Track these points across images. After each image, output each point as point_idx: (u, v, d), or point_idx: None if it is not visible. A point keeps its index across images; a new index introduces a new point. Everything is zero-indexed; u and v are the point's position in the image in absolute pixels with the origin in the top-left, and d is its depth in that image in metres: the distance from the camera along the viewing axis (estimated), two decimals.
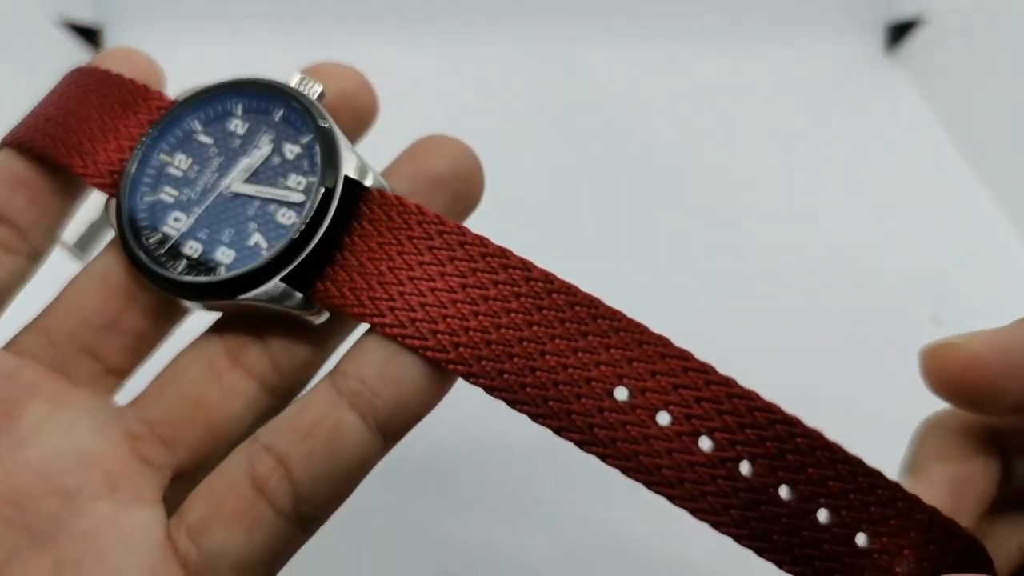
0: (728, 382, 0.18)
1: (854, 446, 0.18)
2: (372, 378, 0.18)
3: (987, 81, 0.49)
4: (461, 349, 0.18)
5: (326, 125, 0.20)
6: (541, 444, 0.34)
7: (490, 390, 0.18)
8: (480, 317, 0.18)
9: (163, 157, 0.20)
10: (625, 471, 0.18)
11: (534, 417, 0.18)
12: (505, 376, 0.18)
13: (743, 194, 0.45)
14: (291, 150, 0.20)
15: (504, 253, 0.19)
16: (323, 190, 0.19)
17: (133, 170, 0.20)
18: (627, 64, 0.51)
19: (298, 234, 0.19)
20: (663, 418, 0.18)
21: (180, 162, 0.20)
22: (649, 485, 0.18)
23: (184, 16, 0.51)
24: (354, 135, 0.22)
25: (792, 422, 0.18)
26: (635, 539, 0.32)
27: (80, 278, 0.21)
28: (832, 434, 0.18)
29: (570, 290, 0.19)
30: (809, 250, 0.42)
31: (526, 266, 0.19)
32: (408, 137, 0.22)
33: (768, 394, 0.18)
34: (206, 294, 0.19)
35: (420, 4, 0.52)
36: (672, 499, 0.18)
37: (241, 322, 0.20)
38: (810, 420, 0.18)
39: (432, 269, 0.19)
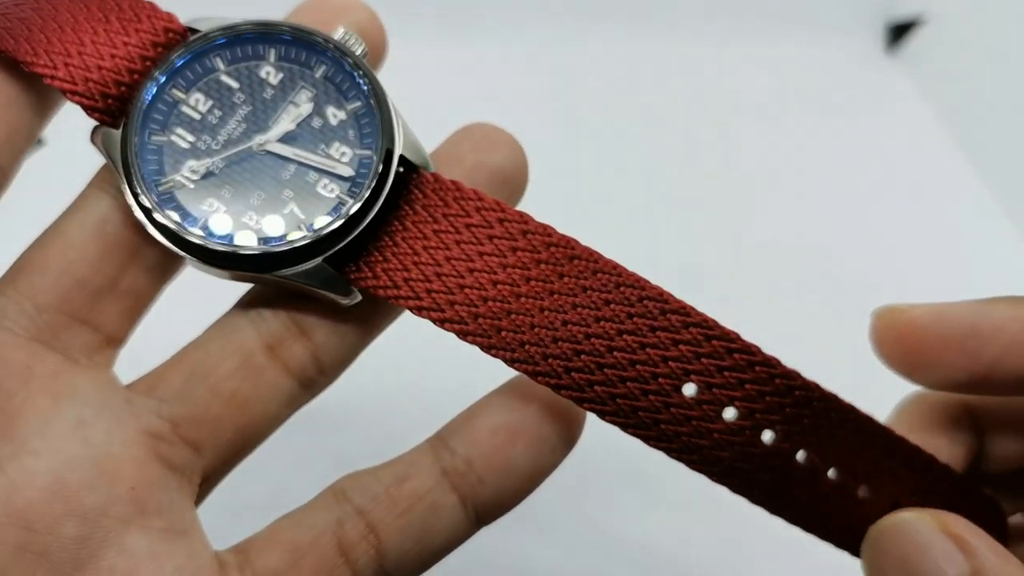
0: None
1: None
2: (480, 463, 0.17)
3: (987, 81, 0.49)
4: (504, 334, 0.17)
5: (381, 95, 0.18)
6: None
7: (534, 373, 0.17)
8: (532, 300, 0.17)
9: (176, 92, 0.17)
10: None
11: (579, 402, 0.18)
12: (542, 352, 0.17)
13: (743, 194, 0.45)
14: (334, 114, 0.18)
15: (547, 231, 0.18)
16: (380, 169, 0.17)
17: (147, 101, 0.17)
18: (625, 64, 0.51)
19: (350, 214, 0.17)
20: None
21: (197, 103, 0.17)
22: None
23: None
24: None
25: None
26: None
27: (69, 228, 0.17)
28: None
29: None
30: (808, 249, 0.42)
31: (586, 251, 0.19)
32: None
33: None
34: (237, 265, 0.17)
35: (423, 5, 0.52)
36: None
37: (274, 303, 0.18)
38: None
39: (493, 260, 0.17)
